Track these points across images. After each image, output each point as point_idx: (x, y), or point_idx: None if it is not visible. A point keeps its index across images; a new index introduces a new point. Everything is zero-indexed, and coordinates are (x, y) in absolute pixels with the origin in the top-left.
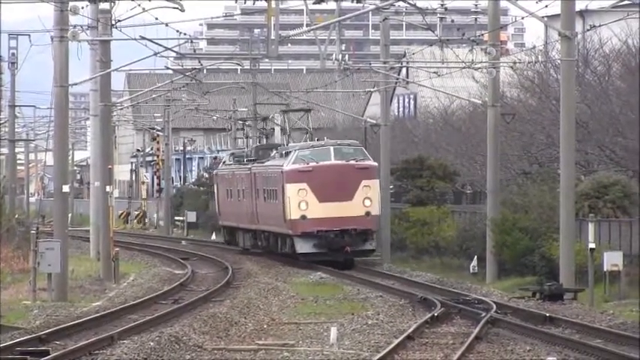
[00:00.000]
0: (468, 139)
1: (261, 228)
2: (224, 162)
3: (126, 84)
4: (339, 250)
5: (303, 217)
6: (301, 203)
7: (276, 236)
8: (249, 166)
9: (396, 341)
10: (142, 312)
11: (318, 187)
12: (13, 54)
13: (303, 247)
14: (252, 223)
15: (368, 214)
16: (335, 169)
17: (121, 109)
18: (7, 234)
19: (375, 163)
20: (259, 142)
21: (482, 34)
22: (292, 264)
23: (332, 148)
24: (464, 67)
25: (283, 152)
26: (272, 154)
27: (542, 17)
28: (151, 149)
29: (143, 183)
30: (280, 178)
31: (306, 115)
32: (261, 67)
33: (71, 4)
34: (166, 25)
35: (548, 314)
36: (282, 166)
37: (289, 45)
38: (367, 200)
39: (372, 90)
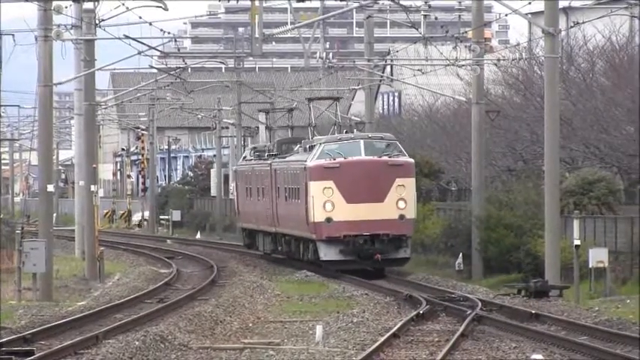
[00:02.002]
0: (452, 136)
1: (282, 231)
2: (244, 157)
3: (110, 83)
4: (368, 258)
5: (329, 219)
6: (326, 204)
7: (297, 241)
8: (269, 161)
9: (382, 339)
10: (127, 311)
11: (346, 185)
12: None
13: (327, 253)
14: (271, 225)
15: (402, 217)
16: (365, 166)
17: (106, 108)
18: None
19: (411, 160)
20: (244, 143)
21: (467, 32)
22: (277, 262)
23: (362, 141)
24: (448, 65)
25: (307, 146)
26: (295, 149)
27: (526, 14)
28: (136, 148)
29: (129, 176)
30: (303, 175)
31: (334, 105)
32: (245, 66)
33: (55, 3)
34: (150, 24)
35: (533, 311)
36: (305, 161)
37: (273, 43)
38: (401, 202)
39: (356, 88)
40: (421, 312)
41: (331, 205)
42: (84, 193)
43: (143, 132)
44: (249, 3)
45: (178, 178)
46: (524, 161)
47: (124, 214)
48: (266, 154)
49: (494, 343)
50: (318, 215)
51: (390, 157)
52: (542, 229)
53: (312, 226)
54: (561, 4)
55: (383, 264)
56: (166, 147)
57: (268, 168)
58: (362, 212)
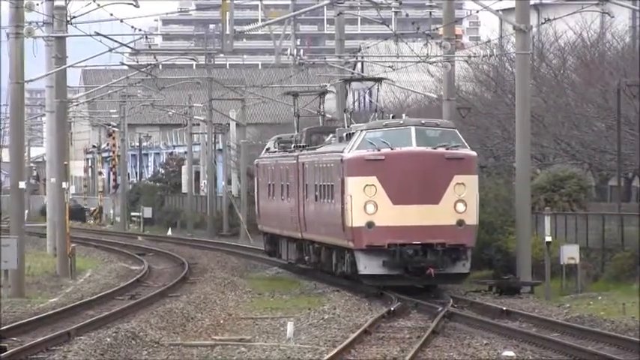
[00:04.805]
0: None
1: (310, 237)
2: (267, 149)
3: (81, 80)
4: (418, 273)
5: (370, 224)
6: (368, 205)
7: (330, 250)
8: (296, 153)
9: (353, 336)
10: (99, 308)
11: (393, 182)
12: None
13: (368, 266)
14: (298, 230)
15: (461, 223)
16: (417, 159)
17: (77, 105)
18: None
19: (473, 153)
20: (215, 139)
21: (437, 28)
22: (249, 258)
23: (414, 128)
24: (419, 62)
25: (344, 134)
26: (327, 139)
27: (497, 11)
28: (107, 145)
29: (100, 173)
30: (339, 169)
31: (375, 87)
32: (216, 63)
33: (26, 0)
34: (121, 21)
35: (504, 308)
36: (341, 152)
37: (244, 40)
38: (460, 204)
39: (327, 84)
40: (392, 309)
41: (374, 206)
42: (55, 190)
43: (114, 129)
44: (220, 0)
45: (150, 175)
46: (495, 158)
47: (95, 211)
48: (292, 146)
49: (465, 339)
50: (357, 219)
51: (447, 149)
52: (513, 226)
53: (350, 232)
54: (532, 1)
55: (436, 280)
56: (137, 144)
57: (295, 161)
58: (412, 216)
